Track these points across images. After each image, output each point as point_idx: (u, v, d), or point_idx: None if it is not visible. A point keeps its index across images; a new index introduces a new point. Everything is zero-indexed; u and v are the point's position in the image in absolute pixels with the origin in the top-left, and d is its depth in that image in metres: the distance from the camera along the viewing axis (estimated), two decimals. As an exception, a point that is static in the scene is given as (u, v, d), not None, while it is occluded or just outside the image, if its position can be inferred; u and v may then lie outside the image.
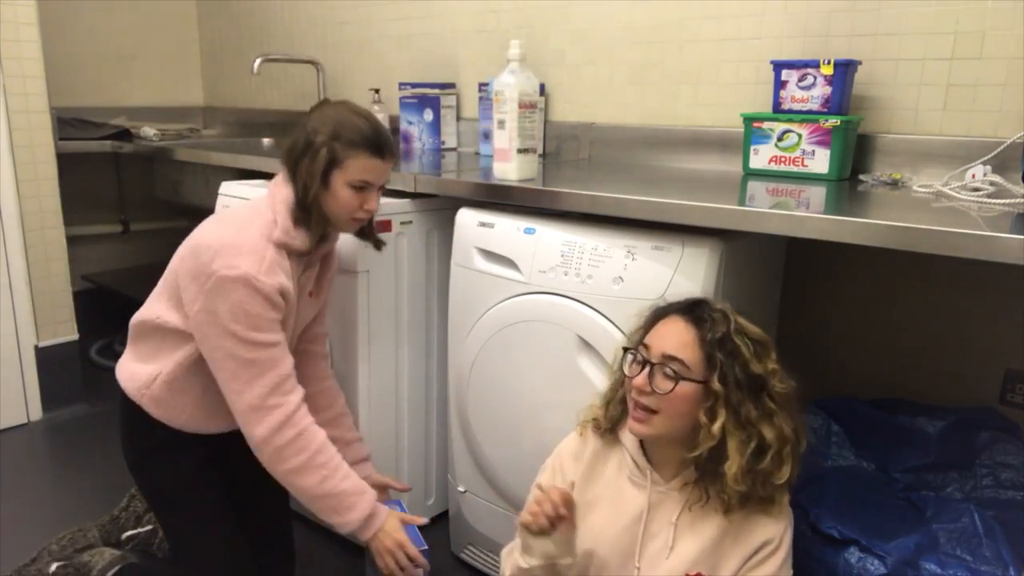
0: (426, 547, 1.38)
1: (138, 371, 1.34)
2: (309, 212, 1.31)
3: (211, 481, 1.40)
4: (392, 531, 1.33)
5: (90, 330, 2.77)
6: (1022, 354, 1.52)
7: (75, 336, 2.67)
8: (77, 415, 2.64)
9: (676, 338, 1.08)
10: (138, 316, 1.37)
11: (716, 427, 1.04)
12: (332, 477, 1.28)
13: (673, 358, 1.06)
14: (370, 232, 1.49)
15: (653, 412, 1.07)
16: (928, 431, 1.43)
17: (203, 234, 1.30)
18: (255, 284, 1.22)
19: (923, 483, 1.40)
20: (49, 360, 2.59)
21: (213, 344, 1.26)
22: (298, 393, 1.30)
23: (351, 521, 1.30)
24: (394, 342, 1.79)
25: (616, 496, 1.17)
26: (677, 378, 1.05)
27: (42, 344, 2.59)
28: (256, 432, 1.26)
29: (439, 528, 1.95)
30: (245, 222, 1.30)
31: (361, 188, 1.32)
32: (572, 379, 1.42)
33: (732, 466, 1.04)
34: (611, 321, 1.38)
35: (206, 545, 1.38)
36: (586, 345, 1.41)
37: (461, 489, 1.73)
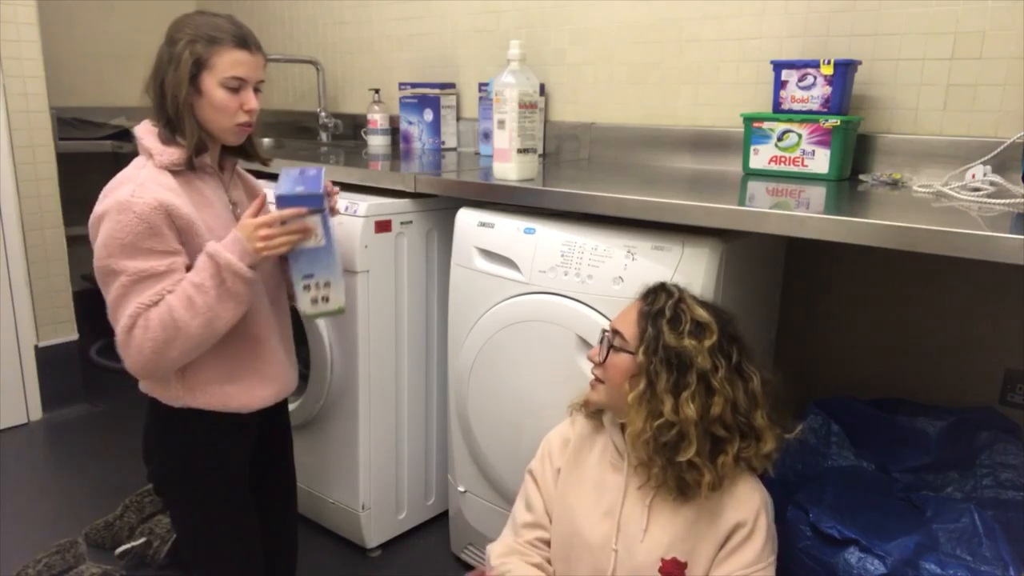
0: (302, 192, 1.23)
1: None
2: (181, 122, 1.24)
3: (243, 490, 1.37)
4: (245, 226, 1.21)
5: (90, 330, 2.77)
6: (1022, 354, 1.52)
7: (75, 336, 2.67)
8: (77, 415, 2.64)
9: (625, 314, 1.17)
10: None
11: (632, 395, 1.08)
12: (195, 293, 1.17)
13: (616, 331, 1.15)
14: (253, 150, 1.41)
15: (601, 382, 1.17)
16: (928, 431, 1.43)
17: None
18: (128, 205, 1.15)
19: (923, 483, 1.40)
20: (49, 360, 2.59)
21: (104, 290, 1.19)
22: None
23: (234, 264, 1.18)
24: (394, 342, 1.79)
25: (598, 479, 1.19)
26: (610, 348, 1.14)
27: (42, 344, 2.59)
28: (128, 363, 1.18)
29: (439, 528, 1.96)
30: (126, 170, 1.26)
31: (236, 89, 1.27)
32: (572, 379, 1.42)
33: (631, 430, 1.09)
34: (611, 321, 1.37)
35: (229, 559, 1.37)
36: (586, 345, 1.41)
37: (461, 489, 1.73)
